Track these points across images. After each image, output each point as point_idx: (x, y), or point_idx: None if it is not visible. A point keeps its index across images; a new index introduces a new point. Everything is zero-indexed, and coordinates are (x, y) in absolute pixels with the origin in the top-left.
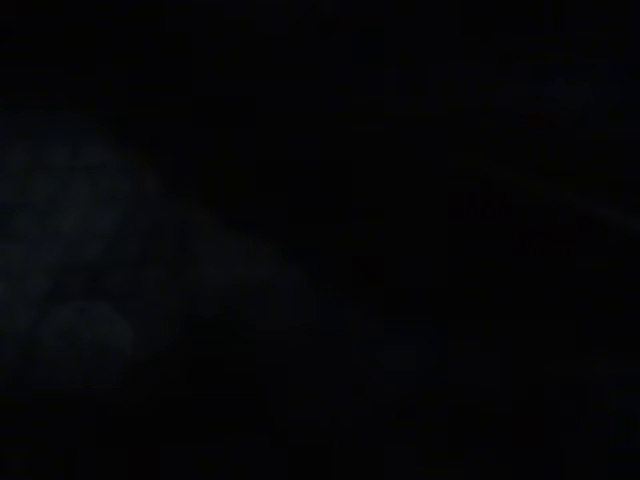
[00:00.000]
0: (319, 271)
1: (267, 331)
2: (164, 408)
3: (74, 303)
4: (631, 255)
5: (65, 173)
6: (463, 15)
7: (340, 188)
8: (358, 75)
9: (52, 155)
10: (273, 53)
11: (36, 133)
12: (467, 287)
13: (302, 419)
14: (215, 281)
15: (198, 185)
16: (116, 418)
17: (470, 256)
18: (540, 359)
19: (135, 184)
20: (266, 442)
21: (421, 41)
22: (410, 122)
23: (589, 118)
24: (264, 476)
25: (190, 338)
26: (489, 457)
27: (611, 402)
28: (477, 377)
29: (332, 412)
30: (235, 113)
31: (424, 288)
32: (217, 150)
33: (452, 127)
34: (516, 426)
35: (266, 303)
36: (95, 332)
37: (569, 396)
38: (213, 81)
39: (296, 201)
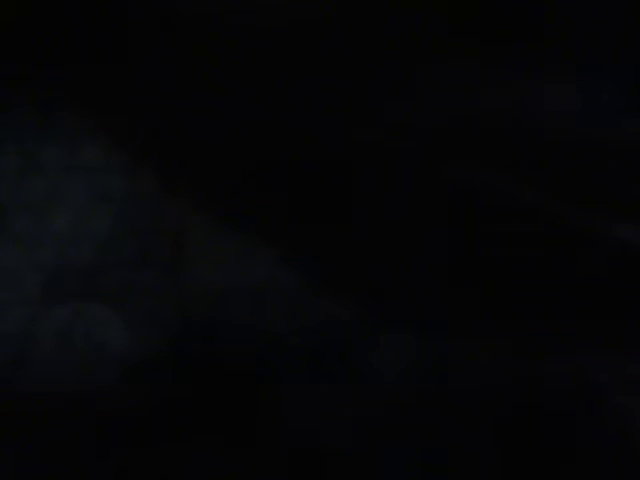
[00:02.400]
0: (317, 272)
1: (264, 332)
2: (160, 409)
3: (69, 304)
4: (630, 254)
5: (60, 173)
6: (462, 20)
7: (340, 189)
8: (357, 79)
9: (47, 155)
10: (273, 53)
11: (31, 133)
12: (467, 288)
13: (300, 420)
14: (211, 282)
15: (194, 186)
16: (111, 419)
17: (469, 257)
18: (540, 359)
19: (131, 185)
20: (264, 443)
21: (419, 46)
22: (408, 126)
23: (586, 122)
24: (263, 477)
25: (186, 339)
26: (489, 457)
27: (610, 401)
28: (477, 377)
29: (330, 413)
30: (233, 113)
31: (423, 289)
32: (214, 150)
33: (450, 132)
34: (516, 426)
35: (263, 304)
36: (90, 333)
37: (569, 395)
38: (212, 81)
39: (295, 201)
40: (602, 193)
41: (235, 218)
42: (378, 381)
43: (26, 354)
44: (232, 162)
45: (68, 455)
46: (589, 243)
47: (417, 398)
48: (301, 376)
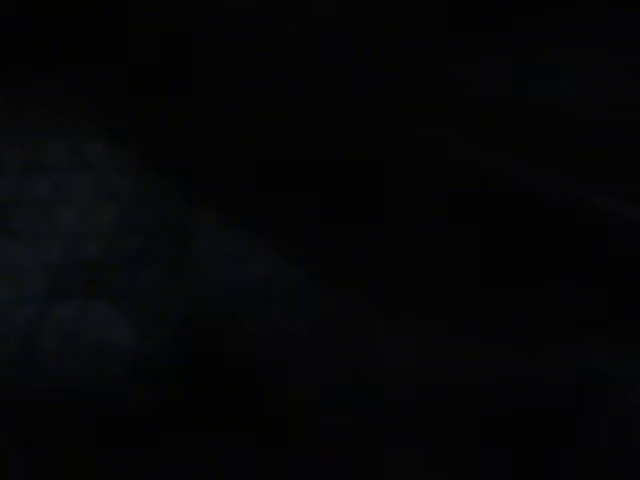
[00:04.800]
0: (319, 270)
1: (267, 330)
2: (163, 407)
3: (73, 301)
4: (633, 248)
5: (64, 171)
6: (477, 9)
7: (340, 187)
8: (368, 71)
9: (51, 153)
10: (280, 54)
11: (35, 130)
12: (466, 284)
13: (302, 418)
14: (215, 280)
15: (198, 184)
16: (115, 417)
17: (469, 253)
18: (540, 354)
19: (134, 182)
20: (266, 441)
21: (433, 36)
22: (417, 118)
23: (596, 111)
24: (264, 476)
25: (189, 337)
26: (489, 457)
27: (611, 399)
28: (477, 375)
29: (332, 411)
30: (235, 113)
31: (424, 286)
32: (217, 149)
33: (461, 121)
34: (516, 425)
35: (266, 302)
36: (94, 331)
37: (569, 393)
38: (214, 81)
39: (297, 198)
40: (612, 181)
41: (239, 215)
42: (380, 379)
43: (30, 351)
44: (236, 160)
45: (71, 452)
46: (591, 237)
47: (418, 396)
48: (304, 374)
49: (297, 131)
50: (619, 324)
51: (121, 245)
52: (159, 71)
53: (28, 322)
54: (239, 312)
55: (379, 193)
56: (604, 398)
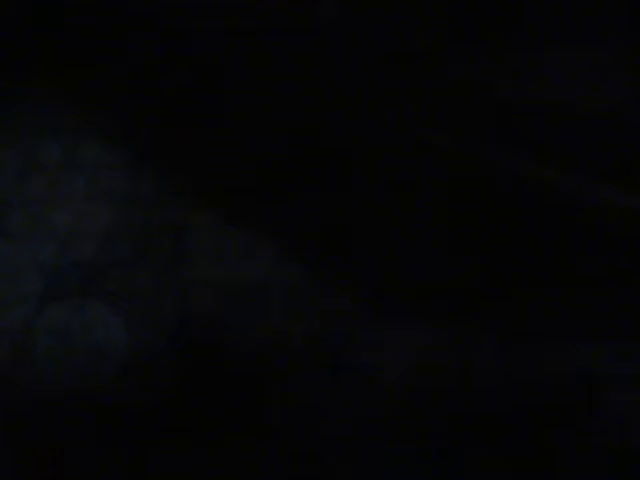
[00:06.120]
0: (317, 270)
1: (264, 330)
2: (159, 408)
3: (68, 302)
4: (633, 247)
5: (59, 171)
6: (477, 9)
7: (339, 187)
8: (368, 72)
9: (46, 153)
10: (279, 54)
11: (30, 131)
12: (467, 283)
13: (301, 418)
14: (210, 280)
15: (194, 183)
16: (110, 418)
17: (470, 252)
18: (540, 354)
19: (130, 182)
20: (264, 442)
21: (433, 36)
22: (417, 118)
23: (596, 109)
24: (262, 476)
25: (186, 337)
26: (489, 457)
27: (611, 399)
28: (477, 375)
29: (331, 411)
30: (233, 113)
31: (423, 285)
32: (214, 148)
33: (461, 120)
34: (516, 425)
35: (263, 302)
36: (89, 331)
37: (569, 393)
38: (212, 81)
39: (296, 201)
40: (615, 178)
41: (237, 215)
42: (379, 379)
43: (25, 351)
44: (234, 159)
45: (66, 452)
46: (593, 236)
47: (418, 395)
48: (302, 374)
49: (297, 131)
50: (619, 324)
51: (117, 245)
52: (157, 72)
53: (23, 322)
54: (237, 312)
55: (379, 193)
56: (604, 398)
